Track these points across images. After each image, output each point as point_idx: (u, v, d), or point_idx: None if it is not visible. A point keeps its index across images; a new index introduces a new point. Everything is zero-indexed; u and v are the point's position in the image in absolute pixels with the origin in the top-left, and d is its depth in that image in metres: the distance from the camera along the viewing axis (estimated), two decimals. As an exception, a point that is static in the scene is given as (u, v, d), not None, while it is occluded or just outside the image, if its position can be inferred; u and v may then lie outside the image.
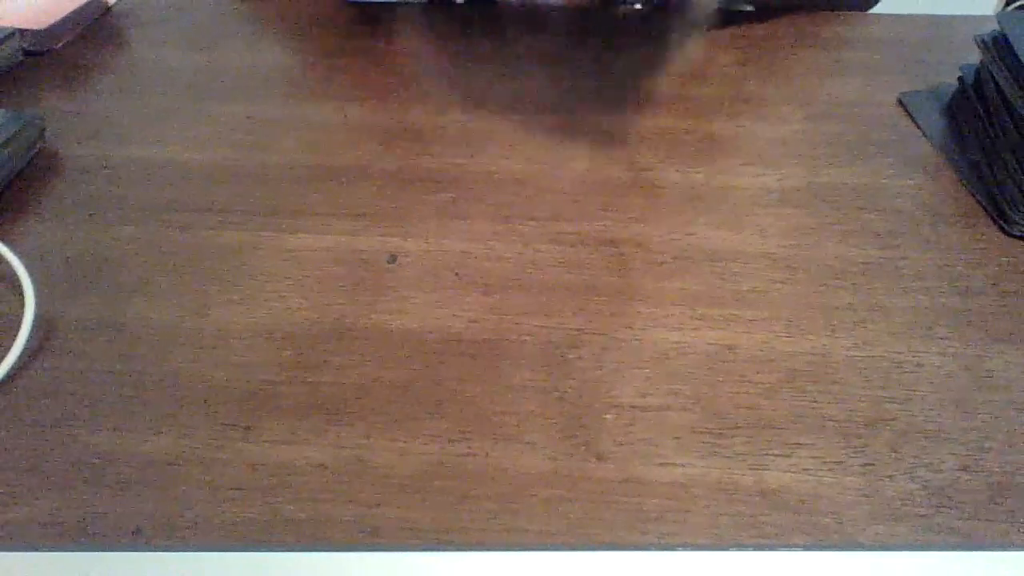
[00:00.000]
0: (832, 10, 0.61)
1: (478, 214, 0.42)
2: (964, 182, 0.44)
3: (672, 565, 0.27)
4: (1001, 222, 0.41)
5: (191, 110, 0.51)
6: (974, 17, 0.60)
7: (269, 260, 0.40)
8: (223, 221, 0.42)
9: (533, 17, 0.61)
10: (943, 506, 0.29)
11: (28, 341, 0.35)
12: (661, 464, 0.30)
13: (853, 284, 0.38)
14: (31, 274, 0.37)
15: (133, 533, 0.28)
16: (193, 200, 0.43)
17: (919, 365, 0.34)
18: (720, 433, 0.32)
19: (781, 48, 0.57)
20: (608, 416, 0.32)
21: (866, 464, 0.30)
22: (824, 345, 0.35)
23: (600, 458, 0.31)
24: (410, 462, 0.31)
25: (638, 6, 0.43)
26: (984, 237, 0.41)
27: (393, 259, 0.40)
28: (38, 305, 0.36)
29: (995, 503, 0.29)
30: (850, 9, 0.62)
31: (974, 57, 0.47)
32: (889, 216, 0.42)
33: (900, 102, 0.51)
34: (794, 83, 0.53)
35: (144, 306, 0.37)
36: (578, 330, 0.36)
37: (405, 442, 0.31)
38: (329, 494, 0.29)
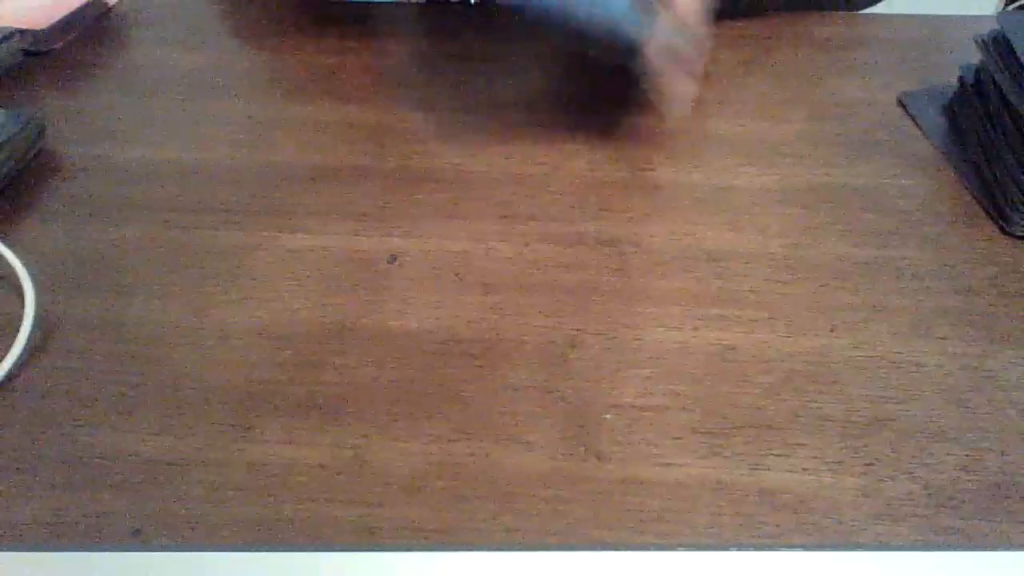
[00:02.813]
0: (822, 10, 0.61)
1: (478, 214, 0.42)
2: (964, 182, 0.44)
3: (672, 565, 0.27)
4: (1001, 222, 0.41)
5: (191, 110, 0.51)
6: (974, 17, 0.60)
7: (269, 260, 0.40)
8: (223, 221, 0.42)
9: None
10: (943, 506, 0.29)
11: (28, 341, 0.35)
12: (661, 464, 0.30)
13: (853, 284, 0.38)
14: (31, 274, 0.37)
15: (133, 533, 0.28)
16: (193, 200, 0.43)
17: (919, 365, 0.34)
18: (720, 433, 0.32)
19: (781, 48, 0.57)
20: (608, 416, 0.32)
21: (866, 464, 0.30)
22: (824, 345, 0.35)
23: (600, 458, 0.31)
24: (410, 462, 0.31)
25: None
26: (984, 237, 0.41)
27: (393, 259, 0.40)
28: (38, 305, 0.36)
29: (995, 503, 0.29)
30: (842, 9, 0.62)
31: (974, 57, 0.47)
32: (889, 216, 0.42)
33: (900, 102, 0.51)
34: (794, 83, 0.53)
35: (144, 306, 0.37)
36: (578, 330, 0.36)
37: (405, 442, 0.31)
38: (329, 494, 0.29)
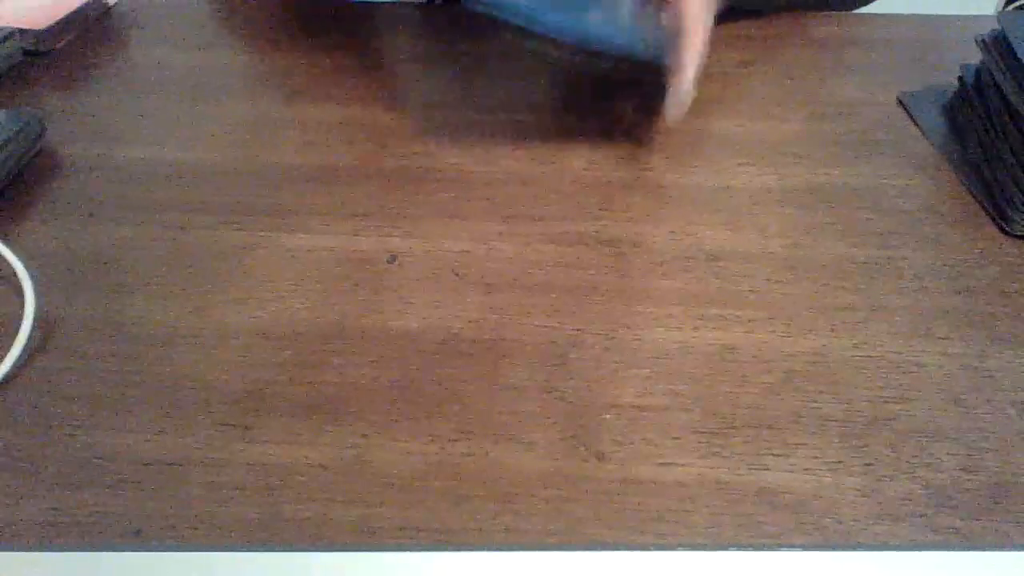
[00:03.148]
0: (821, 10, 0.61)
1: (478, 214, 0.42)
2: (964, 182, 0.44)
3: (672, 565, 0.27)
4: (1001, 222, 0.41)
5: (191, 110, 0.51)
6: (974, 17, 0.60)
7: (269, 260, 0.40)
8: (223, 221, 0.42)
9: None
10: (943, 506, 0.29)
11: (28, 341, 0.35)
12: (661, 464, 0.30)
13: (853, 284, 0.38)
14: (31, 274, 0.37)
15: (133, 533, 0.28)
16: (193, 200, 0.43)
17: (919, 365, 0.34)
18: (720, 433, 0.32)
19: (781, 48, 0.57)
20: (608, 416, 0.32)
21: (866, 464, 0.30)
22: (824, 345, 0.35)
23: (600, 458, 0.31)
24: (410, 462, 0.31)
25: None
26: (984, 237, 0.41)
27: (393, 259, 0.40)
28: (38, 305, 0.36)
29: (995, 503, 0.29)
30: (838, 9, 0.62)
31: (974, 57, 0.47)
32: (889, 216, 0.42)
33: (900, 102, 0.51)
34: (794, 83, 0.53)
35: (144, 306, 0.37)
36: (578, 330, 0.36)
37: (405, 442, 0.31)
38: (329, 494, 0.29)
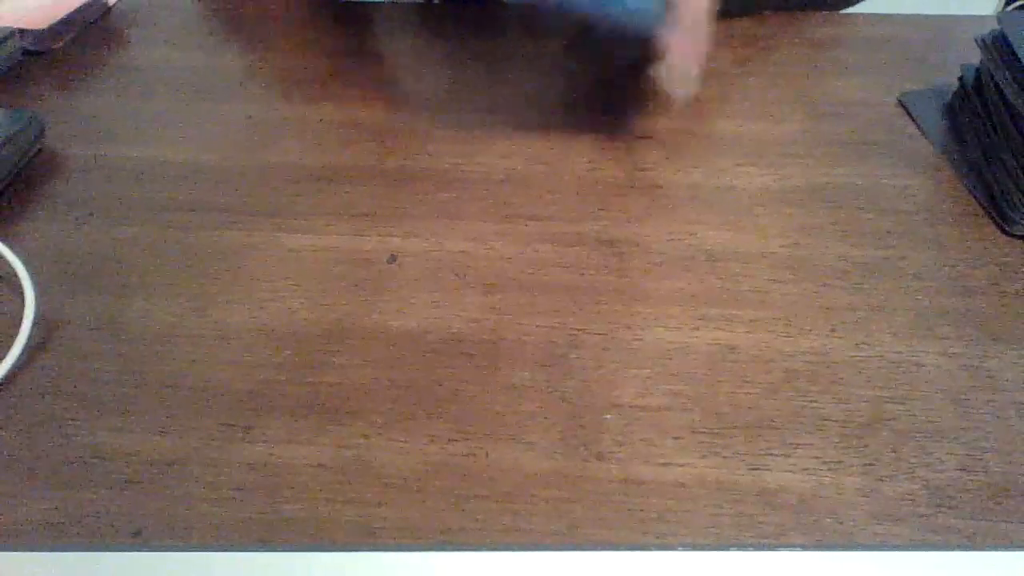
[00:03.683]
0: (817, 8, 0.61)
1: (478, 214, 0.42)
2: (964, 182, 0.44)
3: (672, 565, 0.27)
4: (1001, 222, 0.41)
5: (190, 110, 0.51)
6: (974, 17, 0.60)
7: (269, 260, 0.40)
8: (223, 221, 0.42)
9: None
10: (943, 506, 0.29)
11: (28, 341, 0.35)
12: (661, 464, 0.30)
13: (853, 284, 0.38)
14: (31, 274, 0.37)
15: (133, 533, 0.28)
16: (193, 200, 0.43)
17: (919, 365, 0.34)
18: (720, 433, 0.32)
19: (781, 48, 0.57)
20: (608, 416, 0.32)
21: (866, 464, 0.30)
22: (824, 345, 0.35)
23: (600, 458, 0.31)
24: (410, 462, 0.31)
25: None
26: (984, 237, 0.41)
27: (393, 259, 0.40)
28: (38, 305, 0.36)
29: (995, 503, 0.29)
30: (831, 9, 0.62)
31: (974, 57, 0.47)
32: (889, 216, 0.42)
33: (900, 102, 0.51)
34: (794, 83, 0.53)
35: (144, 306, 0.37)
36: (578, 330, 0.36)
37: (405, 442, 0.31)
38: (329, 494, 0.30)
